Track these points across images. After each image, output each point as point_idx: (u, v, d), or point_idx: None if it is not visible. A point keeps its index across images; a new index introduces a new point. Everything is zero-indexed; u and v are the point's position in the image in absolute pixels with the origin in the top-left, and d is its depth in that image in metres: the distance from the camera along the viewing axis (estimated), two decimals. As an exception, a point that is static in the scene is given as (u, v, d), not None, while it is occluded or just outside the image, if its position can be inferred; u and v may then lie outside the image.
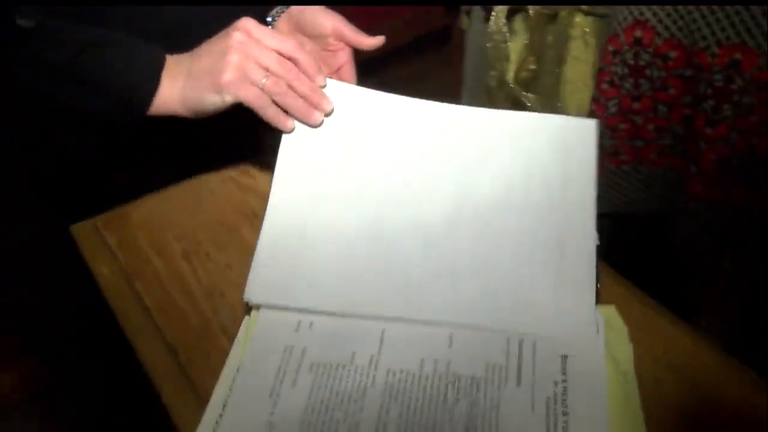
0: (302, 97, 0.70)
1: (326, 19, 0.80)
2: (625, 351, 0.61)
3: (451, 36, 2.38)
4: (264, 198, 0.70)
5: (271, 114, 0.69)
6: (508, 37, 1.28)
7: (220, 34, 0.70)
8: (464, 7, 1.35)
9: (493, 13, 1.22)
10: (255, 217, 0.76)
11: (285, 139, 0.71)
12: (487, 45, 1.28)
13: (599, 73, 1.03)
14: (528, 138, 0.72)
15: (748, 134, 0.95)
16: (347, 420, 0.54)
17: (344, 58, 0.82)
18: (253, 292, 0.63)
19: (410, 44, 2.42)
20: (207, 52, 0.69)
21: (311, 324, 0.61)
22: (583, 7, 1.17)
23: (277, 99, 0.69)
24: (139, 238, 0.77)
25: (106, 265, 0.75)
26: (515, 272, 0.61)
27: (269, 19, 0.84)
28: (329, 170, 0.69)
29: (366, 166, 0.70)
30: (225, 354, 0.61)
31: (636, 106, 1.03)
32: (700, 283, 1.11)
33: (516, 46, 1.29)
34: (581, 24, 1.22)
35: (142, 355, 0.64)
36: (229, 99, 0.68)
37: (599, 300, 0.65)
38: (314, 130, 0.71)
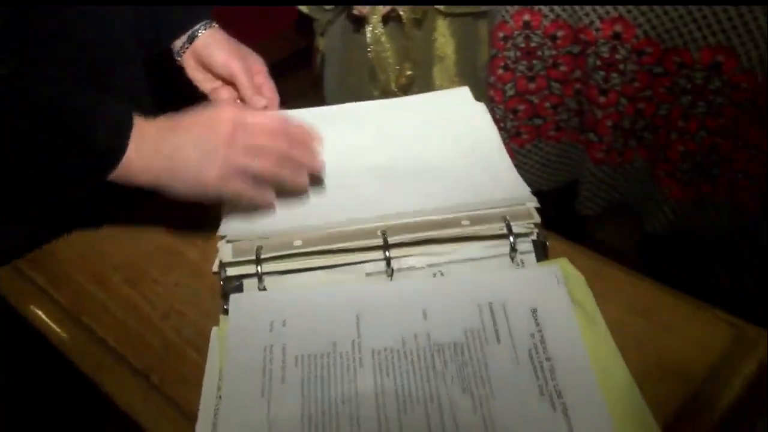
0: (296, 167, 0.68)
1: (223, 65, 0.80)
2: (587, 296, 0.65)
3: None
4: (205, 221, 0.72)
5: (257, 200, 0.67)
6: (387, 47, 1.34)
7: (204, 120, 0.64)
8: (317, 28, 1.38)
9: (369, 25, 1.27)
10: (198, 239, 0.74)
11: None
12: (369, 56, 1.32)
13: (493, 60, 1.10)
14: (428, 112, 0.84)
15: (635, 100, 1.04)
16: (346, 403, 0.54)
17: (262, 77, 0.84)
18: (224, 223, 0.69)
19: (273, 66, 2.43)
20: (193, 142, 0.62)
21: (284, 322, 0.61)
22: (441, 8, 1.25)
23: (267, 181, 0.67)
24: (73, 274, 0.72)
25: (40, 306, 0.70)
26: (454, 179, 0.73)
27: (177, 57, 0.84)
28: None
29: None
30: (199, 367, 0.59)
31: (531, 86, 1.10)
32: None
33: (393, 53, 1.35)
34: (442, 25, 1.30)
35: (110, 387, 0.60)
36: (213, 195, 0.64)
37: (548, 258, 0.69)
38: None
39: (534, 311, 0.61)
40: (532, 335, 0.59)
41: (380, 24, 1.28)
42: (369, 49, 1.30)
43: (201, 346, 0.62)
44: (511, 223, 0.66)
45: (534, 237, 0.67)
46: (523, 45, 1.04)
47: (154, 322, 0.65)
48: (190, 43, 0.81)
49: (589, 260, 0.69)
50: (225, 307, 0.63)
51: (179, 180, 0.62)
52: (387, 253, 0.64)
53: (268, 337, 0.59)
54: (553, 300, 0.62)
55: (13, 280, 0.71)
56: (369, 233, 0.66)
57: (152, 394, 0.58)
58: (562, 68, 1.03)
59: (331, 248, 0.65)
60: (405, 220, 0.67)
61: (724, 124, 0.99)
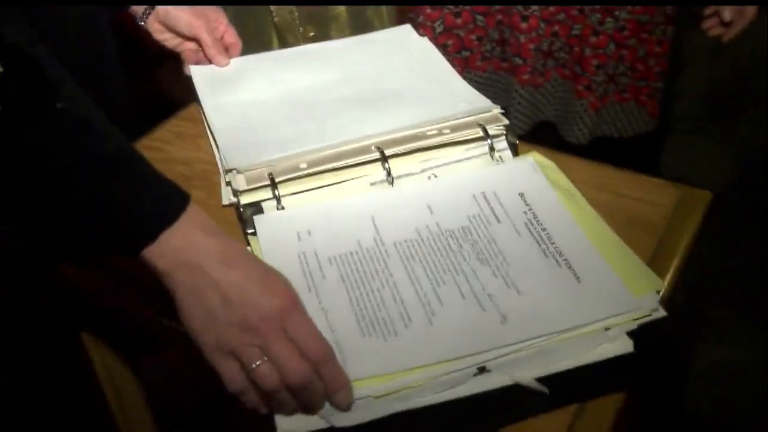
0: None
1: (187, 25, 0.86)
2: (561, 177, 0.75)
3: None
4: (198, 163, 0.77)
5: (247, 399, 0.52)
6: (293, 9, 1.39)
7: (261, 278, 0.52)
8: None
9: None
10: (196, 179, 0.79)
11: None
12: (275, 20, 1.37)
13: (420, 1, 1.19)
14: (380, 47, 0.93)
15: (551, 23, 1.16)
16: (385, 287, 0.62)
17: (223, 26, 0.89)
18: (230, 158, 0.72)
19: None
20: (234, 291, 0.50)
21: (309, 231, 0.68)
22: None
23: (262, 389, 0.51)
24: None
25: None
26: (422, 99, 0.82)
27: (141, 22, 0.87)
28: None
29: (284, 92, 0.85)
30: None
31: (458, 21, 1.19)
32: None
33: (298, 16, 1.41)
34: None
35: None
36: (206, 353, 0.51)
37: (518, 154, 0.80)
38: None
39: (522, 195, 0.71)
40: (525, 213, 0.69)
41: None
42: (274, 14, 1.34)
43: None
44: (486, 127, 0.76)
45: (506, 137, 0.77)
46: (448, -18, 1.13)
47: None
48: (153, 8, 0.85)
49: (553, 154, 0.80)
50: (248, 231, 0.69)
51: (194, 306, 0.51)
52: (386, 164, 0.73)
53: (298, 245, 0.66)
54: (535, 183, 0.72)
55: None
56: (365, 149, 0.74)
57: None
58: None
59: (335, 166, 0.72)
60: (394, 135, 0.75)
61: (629, 36, 1.13)
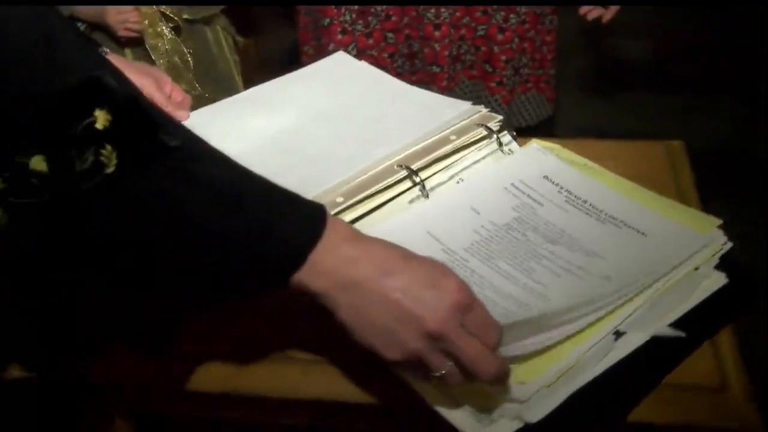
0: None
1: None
2: (572, 155, 0.80)
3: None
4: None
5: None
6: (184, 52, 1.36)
7: (432, 267, 0.51)
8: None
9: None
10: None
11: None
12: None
13: (329, 28, 1.20)
14: (327, 78, 0.93)
15: (458, 27, 1.22)
16: (485, 288, 0.63)
17: (169, 86, 0.85)
18: None
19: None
20: (420, 282, 0.49)
21: None
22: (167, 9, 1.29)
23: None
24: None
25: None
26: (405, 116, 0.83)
27: None
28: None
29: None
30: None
31: (370, 41, 1.22)
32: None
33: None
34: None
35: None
36: (402, 357, 0.50)
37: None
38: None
39: (546, 177, 0.76)
40: (560, 192, 0.74)
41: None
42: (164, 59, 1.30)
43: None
44: (487, 125, 0.80)
45: (507, 130, 0.81)
46: (356, 7, 1.16)
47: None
48: None
49: (549, 139, 0.85)
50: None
51: (367, 329, 0.49)
52: (416, 179, 0.74)
53: None
54: (551, 164, 0.77)
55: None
56: (389, 170, 0.75)
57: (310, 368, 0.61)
58: (393, 18, 1.18)
59: (373, 191, 0.72)
60: (410, 150, 0.77)
61: (529, 28, 1.23)
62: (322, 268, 0.48)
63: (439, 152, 0.76)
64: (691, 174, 0.80)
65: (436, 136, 0.78)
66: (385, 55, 1.22)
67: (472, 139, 0.79)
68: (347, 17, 1.17)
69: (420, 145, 0.77)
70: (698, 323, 0.59)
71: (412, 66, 1.24)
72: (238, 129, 0.84)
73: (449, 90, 1.26)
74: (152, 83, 0.82)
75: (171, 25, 1.20)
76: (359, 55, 1.21)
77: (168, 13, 1.19)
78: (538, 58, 1.29)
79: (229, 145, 0.80)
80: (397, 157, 0.76)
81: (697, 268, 0.63)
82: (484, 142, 0.79)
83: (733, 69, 2.25)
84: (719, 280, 0.62)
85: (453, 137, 0.78)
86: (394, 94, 0.89)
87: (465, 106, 0.84)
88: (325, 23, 1.18)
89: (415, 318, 0.48)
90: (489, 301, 0.61)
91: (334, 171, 0.75)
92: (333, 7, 1.16)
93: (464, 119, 0.81)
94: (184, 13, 1.24)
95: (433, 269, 0.51)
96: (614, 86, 2.17)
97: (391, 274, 0.49)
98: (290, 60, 1.65)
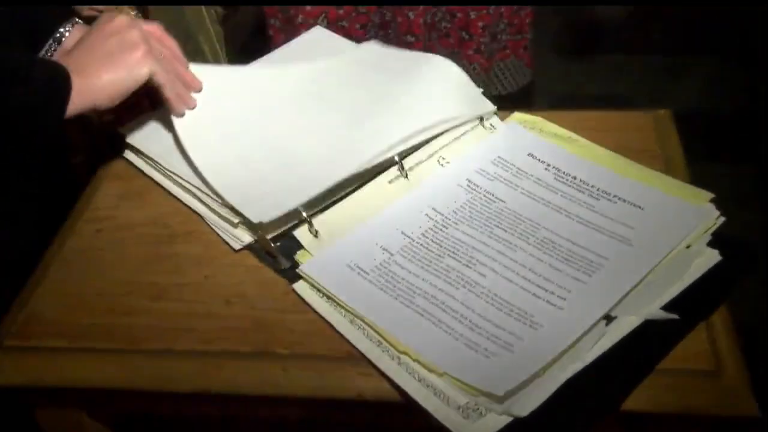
0: (181, 79, 0.74)
1: None
2: (554, 127, 0.78)
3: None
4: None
5: (172, 94, 0.73)
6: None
7: (99, 25, 0.71)
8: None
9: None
10: (179, 237, 0.72)
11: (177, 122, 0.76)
12: None
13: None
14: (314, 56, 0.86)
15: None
16: (494, 269, 0.63)
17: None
18: (255, 215, 0.66)
19: None
20: (105, 35, 0.70)
21: (382, 247, 0.65)
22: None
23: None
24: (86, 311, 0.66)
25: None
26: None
27: (58, 35, 0.77)
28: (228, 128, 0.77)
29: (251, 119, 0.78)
30: (309, 324, 0.62)
31: (341, 12, 1.19)
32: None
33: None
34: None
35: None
36: (144, 74, 0.70)
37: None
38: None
39: (531, 154, 0.74)
40: (547, 169, 0.72)
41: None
42: None
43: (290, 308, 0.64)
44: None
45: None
46: (325, -25, 1.13)
47: (226, 315, 0.64)
48: (59, 44, 0.76)
49: (531, 111, 0.84)
50: (282, 267, 0.66)
51: (115, 68, 0.68)
52: (395, 158, 0.72)
53: (378, 262, 0.64)
54: (535, 141, 0.76)
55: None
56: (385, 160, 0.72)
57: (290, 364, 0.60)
58: (365, -14, 1.15)
59: (359, 183, 0.70)
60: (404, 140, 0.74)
61: (507, -8, 1.21)
62: (85, 93, 0.67)
63: (426, 135, 0.74)
64: (678, 144, 0.79)
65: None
66: (357, 25, 1.19)
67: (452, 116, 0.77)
68: (316, -14, 1.14)
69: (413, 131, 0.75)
70: (691, 304, 0.58)
71: (386, 36, 1.21)
72: (231, 113, 0.79)
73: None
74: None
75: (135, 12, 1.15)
76: (330, 26, 1.18)
77: None
78: (516, 23, 1.27)
79: (222, 148, 0.78)
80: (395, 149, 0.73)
81: (689, 246, 0.63)
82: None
83: (710, 28, 2.24)
84: (712, 257, 0.61)
85: None
86: (381, 72, 0.83)
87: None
88: (294, -7, 1.15)
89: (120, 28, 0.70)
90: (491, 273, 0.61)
91: (324, 173, 0.71)
92: (300, -25, 1.13)
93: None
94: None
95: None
96: (590, 49, 2.16)
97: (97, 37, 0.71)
98: (254, 33, 1.60)
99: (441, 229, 0.67)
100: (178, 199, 0.75)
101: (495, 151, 0.75)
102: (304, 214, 0.67)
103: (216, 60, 1.33)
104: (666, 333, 0.57)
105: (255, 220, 0.66)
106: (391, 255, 0.65)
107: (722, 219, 0.64)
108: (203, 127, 0.76)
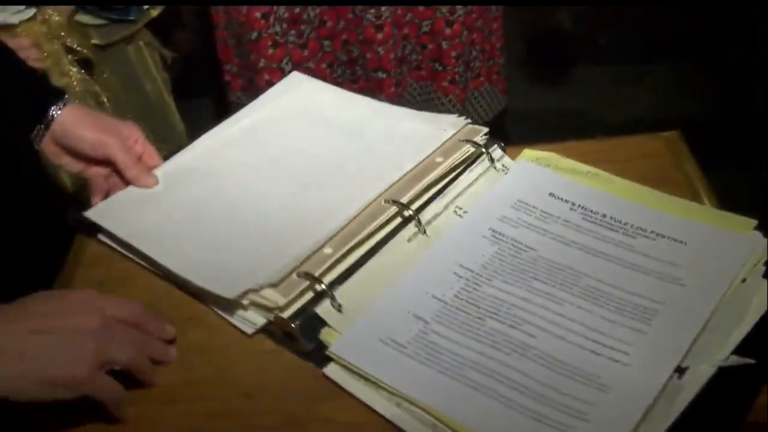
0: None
1: (94, 146, 0.74)
2: (571, 163, 0.76)
3: None
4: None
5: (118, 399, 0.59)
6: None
7: (65, 310, 0.58)
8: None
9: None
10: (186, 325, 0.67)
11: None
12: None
13: (258, 42, 1.13)
14: (289, 105, 0.87)
15: (400, 26, 1.18)
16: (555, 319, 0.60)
17: (140, 146, 0.78)
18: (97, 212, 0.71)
19: None
20: (49, 316, 0.56)
21: (417, 315, 0.62)
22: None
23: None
24: None
25: None
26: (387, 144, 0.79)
27: (49, 118, 0.73)
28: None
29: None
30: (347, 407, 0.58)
31: (305, 53, 1.16)
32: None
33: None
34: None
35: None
36: (79, 393, 0.56)
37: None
38: None
39: (552, 194, 0.72)
40: (573, 209, 0.70)
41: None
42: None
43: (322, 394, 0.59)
44: (474, 140, 0.76)
45: (498, 144, 0.78)
46: (287, 15, 1.10)
47: (249, 412, 0.59)
48: (47, 128, 0.72)
49: (540, 146, 0.82)
50: (307, 350, 0.62)
51: (38, 381, 0.54)
52: (409, 212, 0.69)
53: (411, 324, 0.61)
54: (553, 178, 0.74)
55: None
56: (379, 209, 0.69)
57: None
58: (329, 24, 1.13)
59: (361, 238, 0.67)
60: (396, 183, 0.72)
61: (477, 17, 1.20)
62: None
63: (428, 179, 0.72)
64: (696, 167, 0.78)
65: (423, 162, 0.74)
66: (324, 65, 1.16)
67: (461, 159, 0.75)
68: (277, 28, 1.11)
69: (405, 174, 0.73)
70: (763, 344, 0.57)
71: (353, 74, 1.19)
72: (201, 186, 0.78)
73: (398, 96, 1.22)
74: (115, 143, 0.75)
75: (77, 58, 1.11)
76: (295, 69, 1.15)
77: (74, 46, 1.09)
78: (488, 48, 1.26)
79: (195, 206, 0.75)
80: (381, 191, 0.71)
81: (743, 280, 0.61)
82: (474, 163, 0.76)
83: (660, 32, 2.30)
84: (772, 290, 0.60)
85: (439, 159, 0.74)
86: (367, 117, 0.84)
87: (445, 118, 0.80)
88: (252, 37, 1.12)
89: (81, 328, 0.57)
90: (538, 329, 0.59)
91: (318, 221, 0.69)
92: (260, 18, 1.09)
93: (451, 136, 0.77)
94: (93, 38, 1.14)
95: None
96: (551, 62, 2.18)
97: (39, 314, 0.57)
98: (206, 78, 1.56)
99: (474, 288, 0.64)
100: (170, 282, 0.70)
101: (513, 195, 0.73)
102: (324, 287, 0.63)
103: (162, 106, 1.29)
104: (744, 380, 0.55)
105: (250, 287, 0.63)
106: (427, 323, 0.61)
107: (772, 246, 0.63)
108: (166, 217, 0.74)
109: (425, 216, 0.70)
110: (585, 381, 0.55)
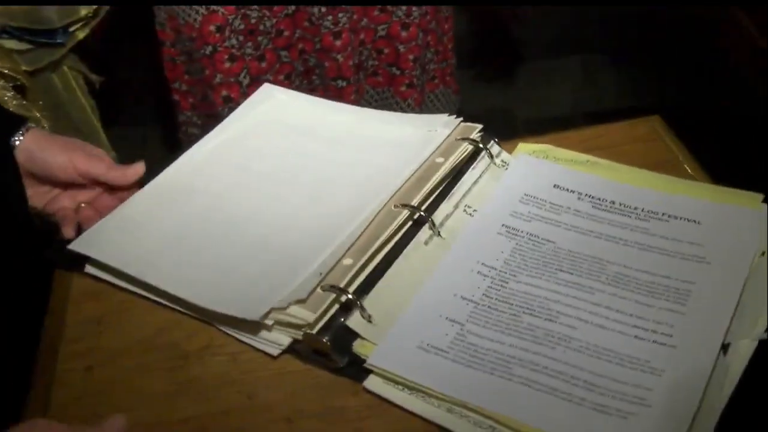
0: None
1: (65, 167, 0.70)
2: (568, 153, 0.77)
3: None
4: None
5: None
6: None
7: None
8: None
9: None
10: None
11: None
12: None
13: (214, 57, 1.09)
14: (270, 118, 0.85)
15: (357, 31, 1.16)
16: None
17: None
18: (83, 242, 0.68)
19: None
20: None
21: (454, 320, 0.61)
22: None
23: None
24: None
25: None
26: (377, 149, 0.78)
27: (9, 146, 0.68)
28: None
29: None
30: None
31: (263, 65, 1.14)
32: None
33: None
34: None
35: None
36: None
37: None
38: None
39: (557, 186, 0.73)
40: (580, 198, 0.71)
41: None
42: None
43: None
44: (471, 138, 0.76)
45: (492, 141, 0.78)
46: (242, 27, 1.07)
47: None
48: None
49: (533, 139, 0.83)
50: (339, 365, 0.60)
51: None
52: (421, 214, 0.68)
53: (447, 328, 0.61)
54: (555, 170, 0.75)
55: None
56: (391, 214, 0.68)
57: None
58: (285, 33, 1.11)
59: (379, 245, 0.66)
60: (402, 188, 0.71)
61: (431, 19, 1.21)
62: None
63: (434, 179, 0.72)
64: (684, 148, 0.81)
65: (424, 164, 0.73)
66: (282, 76, 1.14)
67: (461, 157, 0.75)
68: (234, 41, 1.08)
69: (411, 178, 0.72)
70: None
71: (310, 83, 1.18)
72: (190, 210, 0.74)
73: (356, 103, 1.21)
74: (86, 157, 0.71)
75: (11, 84, 1.05)
76: (253, 83, 1.13)
77: (6, 71, 1.04)
78: (441, 50, 1.27)
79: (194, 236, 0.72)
80: (389, 196, 0.70)
81: (763, 253, 0.63)
82: (474, 161, 0.76)
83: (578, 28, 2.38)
84: (793, 263, 0.62)
85: (440, 159, 0.74)
86: (353, 124, 0.83)
87: (434, 118, 0.80)
88: (207, 52, 1.08)
89: None
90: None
91: (330, 233, 0.68)
92: (214, 31, 1.06)
93: (447, 136, 0.76)
94: (22, 65, 1.09)
95: None
96: (495, 58, 2.22)
97: None
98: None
99: (501, 285, 0.64)
100: (176, 309, 0.67)
101: (519, 189, 0.73)
102: (352, 298, 0.61)
103: (90, 133, 1.23)
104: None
105: (267, 310, 0.61)
106: (462, 325, 0.61)
107: (783, 217, 0.66)
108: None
109: (437, 218, 0.70)
110: (636, 366, 0.56)
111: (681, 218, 0.68)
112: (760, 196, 0.68)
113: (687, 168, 0.77)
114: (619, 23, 2.26)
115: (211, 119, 1.21)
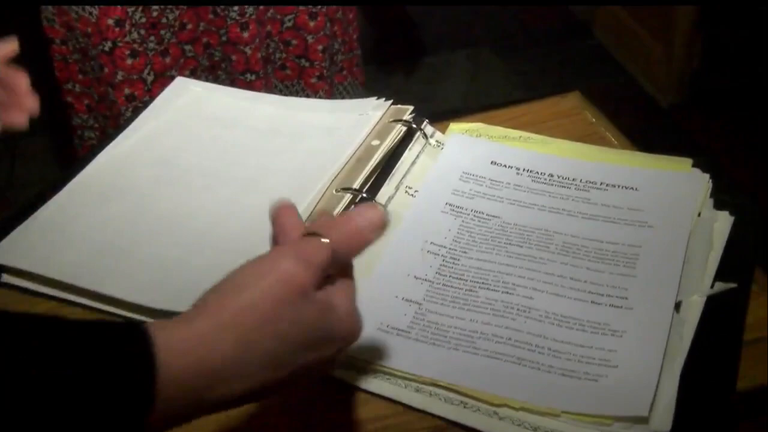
0: None
1: None
2: (501, 130, 0.79)
3: None
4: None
5: None
6: None
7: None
8: None
9: None
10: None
11: None
12: None
13: (114, 53, 1.04)
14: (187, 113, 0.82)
15: (264, 23, 1.14)
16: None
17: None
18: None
19: None
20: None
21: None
22: None
23: None
24: None
25: None
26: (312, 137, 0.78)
27: None
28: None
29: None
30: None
31: (167, 61, 1.10)
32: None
33: None
34: None
35: None
36: None
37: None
38: None
39: (494, 162, 0.75)
40: (519, 173, 0.73)
41: None
42: None
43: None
44: (404, 119, 0.77)
45: (425, 121, 0.79)
46: (144, 20, 1.03)
47: None
48: None
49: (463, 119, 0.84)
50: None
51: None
52: (364, 195, 0.69)
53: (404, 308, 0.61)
54: (490, 147, 0.76)
55: None
56: (334, 198, 0.68)
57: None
58: (189, 26, 1.07)
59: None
60: (340, 172, 0.71)
61: (337, 8, 1.21)
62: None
63: (373, 161, 0.72)
64: (607, 120, 0.84)
65: (360, 147, 0.74)
66: (187, 72, 1.11)
67: (396, 138, 0.75)
68: (135, 35, 1.04)
69: (349, 162, 0.72)
70: (736, 268, 0.62)
71: (216, 79, 1.15)
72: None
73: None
74: None
75: None
76: (157, 80, 1.09)
77: None
78: (348, 40, 1.27)
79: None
80: (332, 181, 0.70)
81: (699, 214, 0.67)
82: (410, 143, 0.76)
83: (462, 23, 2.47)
84: (726, 219, 0.66)
85: (376, 142, 0.74)
86: (277, 113, 0.82)
87: (364, 102, 0.80)
88: (105, 48, 1.04)
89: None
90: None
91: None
92: (113, 26, 1.02)
93: (380, 118, 0.77)
94: None
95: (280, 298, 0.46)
96: (390, 50, 2.27)
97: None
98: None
99: (453, 263, 0.65)
100: (109, 313, 0.64)
101: (457, 168, 0.74)
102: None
103: None
104: (732, 304, 0.60)
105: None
106: (420, 305, 0.61)
107: (711, 183, 0.70)
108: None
109: (380, 200, 0.70)
110: (597, 330, 0.58)
111: (619, 186, 0.71)
112: (689, 161, 0.72)
113: (612, 138, 0.80)
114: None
115: (110, 121, 1.17)
